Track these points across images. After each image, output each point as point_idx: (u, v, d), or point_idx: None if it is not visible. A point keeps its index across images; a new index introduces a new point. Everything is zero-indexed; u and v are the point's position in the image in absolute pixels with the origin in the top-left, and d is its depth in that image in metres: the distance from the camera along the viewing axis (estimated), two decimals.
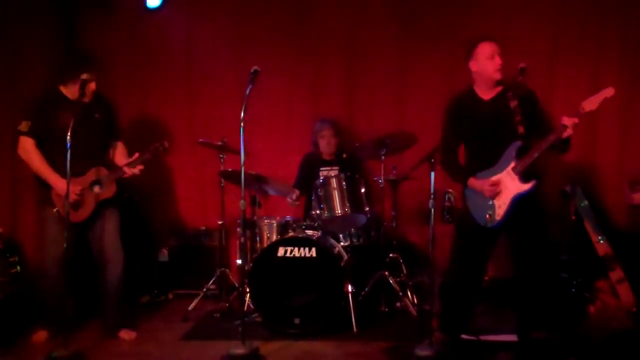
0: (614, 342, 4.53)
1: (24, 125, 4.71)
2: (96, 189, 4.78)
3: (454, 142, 4.53)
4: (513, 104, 4.24)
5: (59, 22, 6.43)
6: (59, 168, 4.59)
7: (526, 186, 4.21)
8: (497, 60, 4.28)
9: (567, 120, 4.07)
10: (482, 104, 4.38)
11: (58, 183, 4.63)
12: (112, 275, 4.88)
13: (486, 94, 4.39)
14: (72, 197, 4.64)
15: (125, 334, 4.95)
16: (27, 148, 4.72)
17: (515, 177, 4.24)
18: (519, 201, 4.24)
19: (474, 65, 4.40)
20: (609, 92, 4.05)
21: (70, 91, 4.78)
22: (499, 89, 4.36)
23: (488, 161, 4.36)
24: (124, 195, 6.10)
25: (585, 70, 6.13)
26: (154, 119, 6.61)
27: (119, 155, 5.00)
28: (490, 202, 4.32)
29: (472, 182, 4.39)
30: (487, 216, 4.33)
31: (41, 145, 4.73)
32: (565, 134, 4.09)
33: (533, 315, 4.42)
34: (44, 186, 4.72)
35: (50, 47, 6.16)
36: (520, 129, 4.22)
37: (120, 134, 5.09)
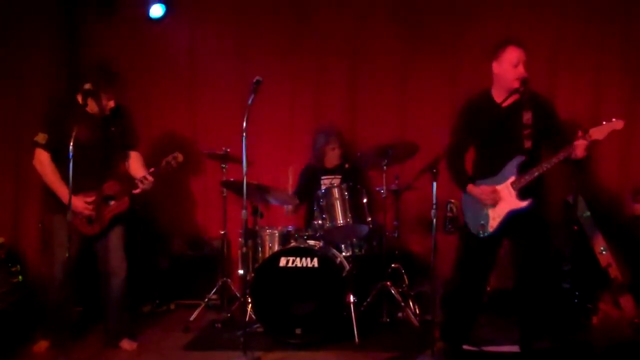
0: (616, 353, 4.52)
1: (41, 137, 4.68)
2: (111, 203, 4.80)
3: (462, 144, 4.51)
4: (527, 116, 4.21)
5: (64, 31, 6.47)
6: (75, 181, 4.42)
7: (522, 204, 4.23)
8: (520, 70, 4.24)
9: (580, 145, 4.05)
10: (496, 110, 4.33)
11: (72, 200, 4.53)
12: (115, 286, 4.88)
13: (502, 99, 4.32)
14: (86, 213, 4.69)
15: (127, 344, 4.94)
16: (42, 161, 4.71)
17: (513, 193, 4.25)
18: (517, 214, 4.26)
19: (496, 67, 4.35)
20: (618, 124, 4.03)
21: (89, 104, 4.73)
22: (516, 97, 4.30)
23: (491, 170, 4.37)
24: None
25: (586, 77, 6.15)
26: (156, 127, 6.62)
27: (135, 165, 4.98)
28: (485, 212, 4.34)
29: (471, 188, 4.40)
30: (480, 226, 4.35)
31: (57, 158, 4.70)
32: (578, 153, 4.07)
33: (534, 325, 4.41)
34: (56, 196, 4.69)
35: (55, 55, 6.21)
36: (527, 144, 4.21)
37: (136, 144, 5.05)
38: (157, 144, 6.47)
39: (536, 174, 4.19)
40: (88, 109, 4.70)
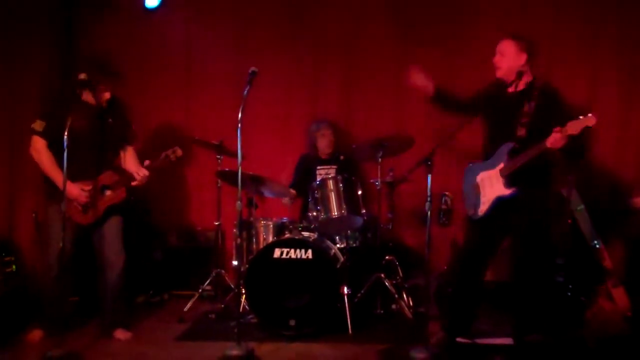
0: (609, 347, 4.54)
1: (38, 125, 4.69)
2: (107, 193, 4.82)
3: (467, 102, 4.67)
4: (530, 104, 4.25)
5: (59, 22, 6.45)
6: (71, 170, 4.48)
7: (506, 191, 4.28)
8: (496, 59, 4.40)
9: (552, 138, 4.05)
10: (503, 94, 4.45)
11: (68, 188, 4.57)
12: (112, 277, 4.88)
13: (511, 86, 4.41)
14: (82, 199, 4.69)
15: (121, 334, 4.95)
16: (39, 148, 4.72)
17: (500, 179, 4.28)
18: (509, 204, 4.30)
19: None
20: (590, 120, 3.98)
21: (87, 96, 4.76)
22: (524, 84, 4.38)
23: (487, 153, 4.49)
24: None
25: (583, 72, 6.15)
26: (152, 119, 6.61)
27: (129, 160, 5.02)
28: (477, 196, 4.45)
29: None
30: (473, 207, 4.47)
31: (53, 147, 4.69)
32: (549, 144, 4.07)
33: (528, 318, 4.43)
34: (53, 185, 4.68)
35: (50, 46, 6.18)
36: (521, 131, 4.24)
37: (133, 139, 5.09)
38: (153, 135, 6.46)
39: (519, 163, 4.22)
40: (84, 99, 4.73)
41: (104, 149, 4.84)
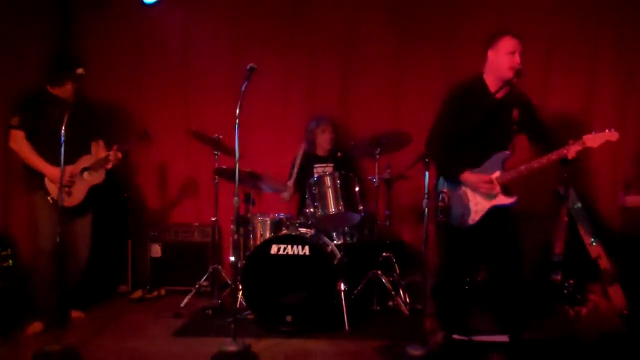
0: (605, 344, 4.55)
1: (14, 120, 4.93)
2: (86, 175, 5.07)
3: (449, 131, 4.43)
4: (515, 111, 4.24)
5: (56, 19, 6.43)
6: (52, 157, 4.82)
7: (508, 200, 4.28)
8: (516, 59, 4.25)
9: (573, 149, 4.05)
10: (490, 99, 4.33)
11: (50, 170, 4.85)
12: (75, 269, 5.14)
13: (495, 89, 4.33)
14: (64, 181, 4.79)
15: (76, 314, 5.26)
16: (18, 140, 4.92)
17: (498, 188, 4.27)
18: (498, 209, 4.29)
19: (491, 55, 4.36)
20: (613, 136, 4.02)
21: (57, 90, 5.01)
22: (507, 90, 4.32)
23: (474, 161, 4.38)
24: (119, 191, 6.15)
25: (581, 72, 6.14)
26: (149, 115, 6.59)
27: (101, 151, 5.28)
28: (467, 205, 4.38)
29: (468, 176, 4.36)
30: (460, 217, 4.38)
31: (30, 139, 4.92)
32: (570, 154, 4.07)
33: (517, 317, 4.44)
34: (36, 174, 4.90)
35: (47, 43, 6.14)
36: (513, 139, 4.25)
37: (102, 133, 5.35)
38: (150, 132, 6.44)
39: (525, 172, 4.19)
40: (54, 93, 4.98)
41: (79, 137, 5.00)
